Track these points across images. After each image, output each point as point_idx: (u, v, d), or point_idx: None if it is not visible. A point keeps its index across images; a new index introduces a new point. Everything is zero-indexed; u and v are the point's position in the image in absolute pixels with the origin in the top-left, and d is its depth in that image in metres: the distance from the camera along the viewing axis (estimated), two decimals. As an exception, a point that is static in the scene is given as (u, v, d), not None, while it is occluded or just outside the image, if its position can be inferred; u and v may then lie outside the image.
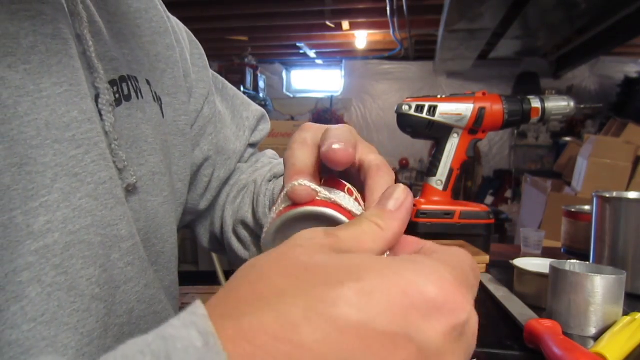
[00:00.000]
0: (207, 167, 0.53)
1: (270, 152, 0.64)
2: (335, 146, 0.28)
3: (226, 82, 0.60)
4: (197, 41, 0.55)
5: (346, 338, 0.17)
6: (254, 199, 0.51)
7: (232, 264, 0.53)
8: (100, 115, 0.35)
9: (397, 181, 0.34)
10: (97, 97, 0.35)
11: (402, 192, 0.26)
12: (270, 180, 0.51)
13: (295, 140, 0.31)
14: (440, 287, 0.19)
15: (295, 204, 0.29)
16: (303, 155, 0.30)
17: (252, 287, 0.19)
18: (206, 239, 0.59)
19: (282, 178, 0.50)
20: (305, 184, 0.28)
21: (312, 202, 0.29)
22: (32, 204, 0.28)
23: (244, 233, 0.52)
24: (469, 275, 0.22)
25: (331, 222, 0.28)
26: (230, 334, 0.16)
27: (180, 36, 0.51)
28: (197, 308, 0.17)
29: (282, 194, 0.30)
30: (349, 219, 0.28)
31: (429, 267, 0.20)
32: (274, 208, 0.30)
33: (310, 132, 0.31)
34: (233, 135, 0.57)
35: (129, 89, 0.39)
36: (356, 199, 0.31)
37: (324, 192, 0.29)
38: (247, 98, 0.62)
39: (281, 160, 0.54)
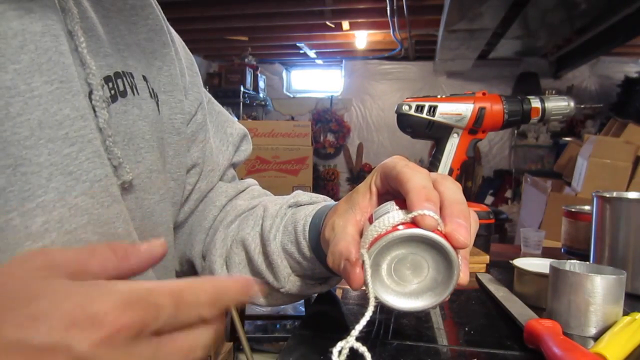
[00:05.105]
0: (193, 175, 0.52)
1: (252, 181, 0.63)
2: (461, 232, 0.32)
3: (212, 98, 0.60)
4: (188, 50, 0.55)
5: (8, 354, 0.20)
6: (262, 222, 0.50)
7: None
8: (94, 111, 0.34)
9: None
10: (90, 94, 0.34)
11: None
12: (290, 207, 0.51)
13: (408, 166, 0.36)
14: (101, 306, 0.21)
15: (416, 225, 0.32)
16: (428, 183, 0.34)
17: None
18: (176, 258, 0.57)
19: (305, 207, 0.49)
20: (435, 215, 0.32)
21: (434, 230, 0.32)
22: (29, 204, 0.28)
23: (238, 257, 0.50)
24: (149, 298, 0.23)
25: (440, 252, 0.32)
26: None
27: (175, 38, 0.51)
28: None
29: (408, 214, 0.32)
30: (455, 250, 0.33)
31: (100, 291, 0.22)
32: (385, 223, 0.33)
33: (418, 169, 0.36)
34: (216, 149, 0.56)
35: (124, 85, 0.38)
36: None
37: (442, 225, 0.33)
38: (230, 116, 0.62)
39: (300, 192, 0.53)
